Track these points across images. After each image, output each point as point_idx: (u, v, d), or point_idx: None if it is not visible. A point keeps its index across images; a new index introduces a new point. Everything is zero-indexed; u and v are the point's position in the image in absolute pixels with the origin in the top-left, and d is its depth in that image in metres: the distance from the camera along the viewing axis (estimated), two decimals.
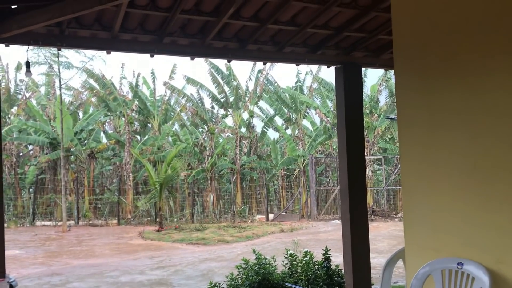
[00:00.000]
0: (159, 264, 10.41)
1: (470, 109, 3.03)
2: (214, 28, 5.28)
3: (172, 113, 24.35)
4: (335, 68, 6.33)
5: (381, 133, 23.03)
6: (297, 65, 6.64)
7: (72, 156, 21.35)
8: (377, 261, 9.53)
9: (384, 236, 14.06)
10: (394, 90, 22.57)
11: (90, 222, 19.25)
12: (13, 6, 4.65)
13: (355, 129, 6.29)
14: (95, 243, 13.84)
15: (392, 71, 21.46)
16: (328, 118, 22.54)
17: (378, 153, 23.49)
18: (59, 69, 18.05)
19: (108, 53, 5.73)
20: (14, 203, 20.90)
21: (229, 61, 6.35)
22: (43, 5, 4.44)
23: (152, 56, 5.77)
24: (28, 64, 5.63)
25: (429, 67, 3.39)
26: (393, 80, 22.81)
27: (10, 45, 5.20)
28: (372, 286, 6.54)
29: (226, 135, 24.49)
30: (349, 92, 6.23)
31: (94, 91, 22.05)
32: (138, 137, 23.59)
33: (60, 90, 18.95)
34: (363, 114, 6.57)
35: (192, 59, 6.06)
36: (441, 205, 3.25)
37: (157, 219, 17.58)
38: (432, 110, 3.31)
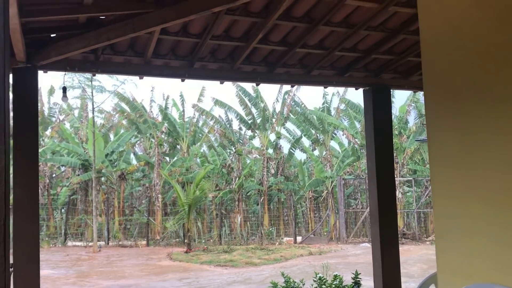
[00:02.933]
0: (188, 285, 10.43)
1: (504, 130, 2.99)
2: (243, 52, 5.40)
3: (200, 135, 24.63)
4: (364, 90, 6.35)
5: (410, 155, 22.71)
6: (325, 87, 6.71)
7: (103, 178, 21.76)
8: (408, 285, 9.30)
9: (415, 260, 13.72)
10: (423, 111, 22.29)
11: (120, 242, 19.47)
12: (52, 35, 4.89)
13: (384, 151, 6.25)
14: (124, 264, 13.97)
15: (421, 92, 21.19)
16: (356, 139, 22.39)
17: (407, 175, 23.12)
18: (92, 92, 18.61)
19: (141, 78, 5.90)
20: (47, 223, 21.35)
21: (257, 85, 6.45)
22: (79, 33, 4.65)
23: (183, 80, 5.91)
24: (64, 89, 5.85)
25: (459, 90, 3.38)
26: (421, 101, 22.55)
27: (48, 72, 5.43)
28: None
29: (254, 156, 24.56)
30: (378, 114, 6.22)
31: (125, 114, 22.55)
32: (167, 158, 23.90)
33: (93, 113, 19.49)
34: (392, 136, 6.53)
35: (221, 83, 6.18)
36: (474, 229, 3.19)
37: (185, 240, 17.65)
38: (463, 132, 3.28)
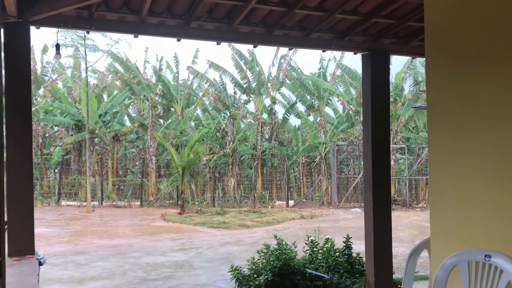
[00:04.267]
0: (181, 246, 10.57)
1: (505, 98, 2.96)
2: (241, 12, 5.27)
3: (195, 98, 24.45)
4: (362, 55, 6.26)
5: (404, 122, 22.75)
6: (324, 51, 6.61)
7: (97, 138, 21.68)
8: (397, 250, 9.48)
9: (405, 226, 13.96)
10: (419, 78, 22.20)
11: (114, 203, 19.61)
12: None
13: (381, 118, 6.22)
14: (118, 224, 14.11)
15: (418, 59, 21.04)
16: (351, 106, 22.34)
17: (401, 142, 23.23)
18: (85, 52, 18.28)
19: (136, 36, 5.77)
20: (40, 182, 21.39)
21: (255, 46, 6.32)
22: None
23: (178, 40, 5.79)
24: (58, 46, 5.71)
25: (462, 55, 3.32)
26: (418, 68, 22.42)
27: (41, 28, 5.28)
28: (393, 275, 6.53)
29: (248, 121, 24.50)
30: (376, 80, 6.16)
31: (119, 75, 22.28)
32: (161, 121, 23.79)
33: (86, 72, 19.20)
34: (389, 102, 6.49)
35: (218, 43, 6.07)
36: (470, 196, 3.21)
37: (179, 202, 17.79)
38: (464, 98, 3.25)
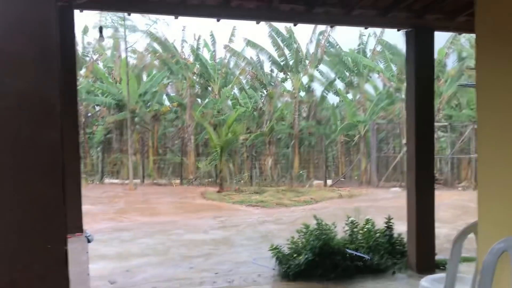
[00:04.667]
0: (221, 224, 10.75)
1: None
2: None
3: (232, 77, 24.46)
4: (406, 32, 6.08)
5: (447, 99, 22.07)
6: (366, 28, 6.46)
7: (137, 118, 22.12)
8: (440, 231, 9.28)
9: (447, 206, 13.66)
10: (463, 54, 21.40)
11: (155, 181, 20.08)
12: None
13: (425, 97, 6.06)
14: (160, 201, 14.46)
15: (463, 35, 20.20)
16: (392, 83, 21.82)
17: (443, 120, 22.59)
18: (125, 32, 18.55)
19: (176, 18, 5.80)
20: (84, 161, 22.10)
21: (295, 25, 6.26)
22: None
23: (218, 20, 5.79)
24: (101, 29, 5.84)
25: None
26: (462, 43, 21.58)
27: (84, 11, 5.38)
28: (436, 256, 6.44)
29: (285, 99, 24.35)
30: (420, 58, 5.99)
31: (157, 54, 22.51)
32: (199, 100, 23.98)
33: (126, 53, 19.52)
34: (434, 80, 6.30)
35: (257, 23, 6.03)
36: None
37: (218, 181, 18.03)
38: None
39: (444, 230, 9.71)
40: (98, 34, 23.55)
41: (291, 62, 22.28)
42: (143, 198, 15.20)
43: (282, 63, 22.47)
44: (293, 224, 10.28)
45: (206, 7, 5.56)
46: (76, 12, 5.11)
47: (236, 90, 25.56)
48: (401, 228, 7.17)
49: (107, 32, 19.93)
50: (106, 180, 20.32)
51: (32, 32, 1.08)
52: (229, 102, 24.05)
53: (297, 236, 6.53)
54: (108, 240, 8.87)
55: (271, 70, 24.17)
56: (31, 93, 1.09)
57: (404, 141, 20.59)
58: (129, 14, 6.28)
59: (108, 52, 24.28)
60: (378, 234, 6.73)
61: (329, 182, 20.41)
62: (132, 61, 23.70)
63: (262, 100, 23.05)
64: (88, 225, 9.93)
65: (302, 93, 23.27)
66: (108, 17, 17.55)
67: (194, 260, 7.31)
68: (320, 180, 20.77)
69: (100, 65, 23.84)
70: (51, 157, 1.11)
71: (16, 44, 1.08)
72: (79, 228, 4.90)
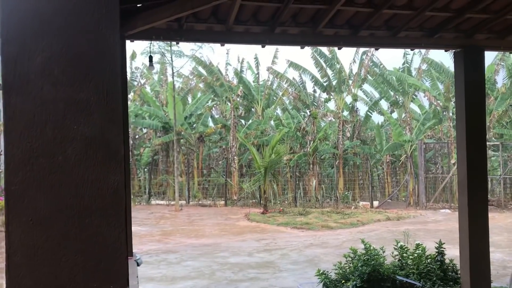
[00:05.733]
0: (266, 247, 10.70)
1: None
2: (326, 15, 5.22)
3: (275, 98, 24.63)
4: (454, 52, 5.95)
5: (497, 117, 21.28)
6: (412, 49, 6.36)
7: (182, 139, 22.57)
8: (494, 256, 8.89)
9: (501, 229, 13.09)
10: None
11: (200, 202, 20.30)
12: (138, 5, 5.00)
13: (476, 117, 5.88)
14: (205, 223, 14.58)
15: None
16: (439, 101, 21.29)
17: (493, 139, 21.77)
18: (171, 58, 19.11)
19: (222, 45, 5.93)
20: (132, 182, 22.68)
21: (339, 49, 6.24)
22: (165, 2, 4.71)
23: (263, 46, 5.86)
24: (151, 58, 6.02)
25: None
26: None
27: (135, 41, 5.59)
28: (491, 284, 6.15)
29: (329, 119, 24.22)
30: (470, 78, 5.83)
31: (202, 78, 23.03)
32: (243, 121, 24.24)
33: (173, 77, 20.08)
34: (485, 100, 6.10)
35: (302, 48, 6.06)
36: None
37: (262, 202, 18.02)
38: None
39: (499, 255, 9.29)
40: (145, 60, 24.33)
41: (334, 82, 22.20)
42: (188, 220, 15.38)
43: (325, 83, 22.43)
44: (340, 248, 10.12)
45: (250, 34, 5.67)
46: (127, 42, 5.32)
47: (279, 111, 25.70)
48: (453, 253, 6.94)
49: (154, 58, 20.59)
50: (153, 201, 20.73)
51: (98, 80, 1.15)
52: (272, 123, 24.17)
53: (345, 261, 6.41)
54: (155, 262, 9.01)
55: (314, 91, 24.19)
56: (97, 138, 1.15)
57: (453, 160, 19.94)
58: (177, 43, 6.47)
59: (155, 77, 25.06)
60: (429, 260, 6.52)
61: (375, 203, 19.97)
62: (178, 84, 24.35)
63: (305, 120, 23.01)
64: (135, 246, 10.14)
65: (346, 113, 23.08)
66: (156, 43, 18.16)
67: (240, 284, 7.29)
68: (366, 202, 20.37)
69: (148, 89, 24.60)
70: (115, 200, 1.16)
71: (83, 92, 1.15)
72: (129, 252, 5.01)
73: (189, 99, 24.76)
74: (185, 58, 20.03)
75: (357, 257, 6.29)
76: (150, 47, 16.79)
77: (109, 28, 1.14)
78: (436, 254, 6.59)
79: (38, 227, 1.11)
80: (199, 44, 19.15)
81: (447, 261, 6.57)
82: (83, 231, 1.13)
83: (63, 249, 1.12)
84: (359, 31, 5.60)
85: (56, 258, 1.11)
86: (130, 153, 22.93)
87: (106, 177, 1.14)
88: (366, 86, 23.55)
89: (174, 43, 18.24)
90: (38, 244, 1.11)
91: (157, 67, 24.07)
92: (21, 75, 1.11)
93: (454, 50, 5.95)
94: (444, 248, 6.57)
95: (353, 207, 18.82)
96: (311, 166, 21.86)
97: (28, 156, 1.11)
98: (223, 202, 20.06)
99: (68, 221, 1.13)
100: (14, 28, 1.11)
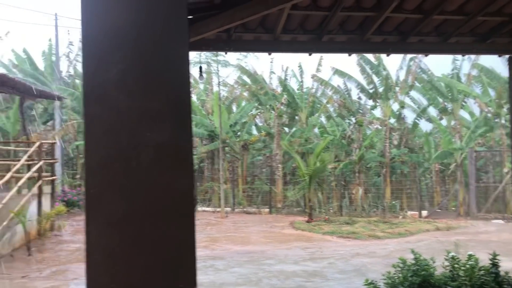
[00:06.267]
0: (312, 255, 10.64)
1: None
2: (374, 22, 5.21)
3: (319, 105, 24.50)
4: (509, 57, 5.77)
5: None
6: (463, 55, 6.21)
7: (227, 147, 22.83)
8: None
9: None
10: None
11: (244, 209, 20.42)
12: (189, 17, 5.15)
13: None
14: (250, 230, 14.66)
15: None
16: (490, 108, 20.54)
17: None
18: (217, 67, 19.47)
19: (269, 54, 6.01)
20: None
21: (388, 55, 6.19)
22: (215, 14, 4.83)
23: (310, 54, 5.90)
24: (201, 68, 6.17)
25: None
26: None
27: None
28: None
29: (375, 127, 23.83)
30: None
31: (247, 86, 23.26)
32: (287, 129, 24.24)
33: (219, 87, 20.42)
34: None
35: (349, 55, 6.05)
36: None
37: (307, 210, 17.93)
38: None
39: None
40: (192, 70, 24.84)
41: (380, 89, 21.86)
42: (234, 226, 15.51)
43: (371, 91, 22.13)
44: (388, 258, 9.92)
45: (298, 43, 5.72)
46: None
47: (323, 119, 25.53)
48: (508, 265, 6.66)
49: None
50: (200, 208, 21.05)
51: (169, 90, 1.22)
52: (316, 131, 24.04)
53: (393, 271, 6.28)
54: (203, 268, 9.14)
55: (359, 98, 23.87)
56: (168, 144, 1.22)
57: (506, 169, 19.17)
58: (225, 53, 6.62)
59: (201, 86, 25.53)
60: (482, 271, 6.28)
61: (424, 213, 19.43)
62: (223, 93, 24.70)
63: (351, 128, 22.76)
64: None
65: (393, 120, 22.65)
66: (203, 54, 18.54)
67: None
68: (414, 211, 19.85)
69: (194, 98, 25.10)
70: (185, 203, 1.22)
71: (155, 101, 1.23)
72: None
73: (234, 108, 25.05)
74: (231, 67, 20.33)
75: (406, 267, 6.15)
76: (196, 56, 17.15)
77: (178, 41, 1.22)
78: (490, 265, 6.35)
79: (114, 227, 1.20)
80: (245, 53, 19.41)
81: (502, 273, 6.31)
82: (155, 232, 1.20)
83: (137, 249, 1.19)
84: (408, 38, 5.54)
85: (130, 257, 1.19)
86: None
87: (176, 181, 1.21)
88: (413, 93, 23.02)
89: (220, 53, 18.58)
90: (114, 243, 1.19)
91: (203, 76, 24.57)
92: (99, 86, 1.20)
93: (508, 56, 5.77)
94: (499, 260, 6.32)
95: (400, 217, 18.40)
96: (357, 174, 21.55)
97: (105, 161, 1.20)
98: (267, 209, 20.10)
99: (141, 222, 1.20)
100: (93, 43, 1.21)
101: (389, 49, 5.78)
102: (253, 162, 25.37)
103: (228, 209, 20.30)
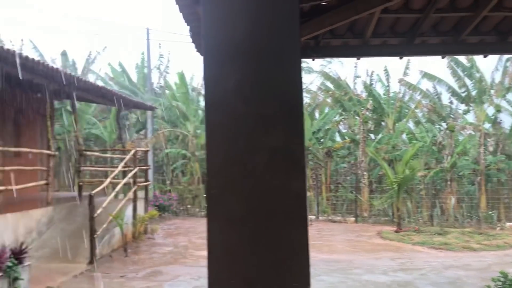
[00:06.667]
0: (401, 266, 10.28)
1: None
2: (470, 23, 4.98)
3: (406, 110, 23.68)
4: None
5: None
6: None
7: (311, 154, 22.75)
8: None
9: None
10: None
11: (329, 218, 20.20)
12: None
13: None
14: (335, 238, 14.48)
15: None
16: None
17: None
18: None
19: (358, 59, 5.96)
20: None
21: (485, 56, 5.87)
22: (304, 21, 4.89)
23: (401, 58, 5.76)
24: None
25: None
26: None
27: None
28: None
29: (468, 132, 22.55)
30: None
31: (330, 92, 23.06)
32: (372, 135, 23.68)
33: (302, 93, 20.46)
34: None
35: (443, 57, 5.84)
36: None
37: (395, 220, 17.35)
38: None
39: None
40: None
41: (473, 93, 20.69)
42: (319, 235, 15.39)
43: (463, 94, 21.01)
44: (485, 271, 9.32)
45: (388, 47, 5.61)
46: None
47: (411, 124, 24.62)
48: None
49: None
50: None
51: (282, 97, 1.29)
52: (404, 137, 23.23)
53: (493, 285, 5.91)
54: None
55: (451, 102, 22.75)
56: (281, 148, 1.28)
57: None
58: (313, 59, 6.66)
59: None
60: None
61: None
62: (306, 100, 24.69)
63: (441, 134, 21.73)
64: None
65: (488, 125, 21.29)
66: None
67: None
68: None
69: None
70: (298, 204, 1.28)
71: (269, 107, 1.30)
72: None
73: (316, 114, 24.93)
74: (314, 73, 20.29)
75: (508, 281, 5.77)
76: None
77: (291, 50, 1.28)
78: None
79: (232, 226, 1.27)
80: (329, 59, 19.29)
81: None
82: (270, 231, 1.26)
83: (253, 247, 1.26)
84: (508, 37, 5.23)
85: (247, 255, 1.26)
86: None
87: (290, 183, 1.26)
88: (510, 96, 21.52)
89: (304, 60, 18.64)
90: (233, 241, 1.27)
91: None
92: (219, 94, 1.30)
93: None
94: None
95: (498, 228, 17.19)
96: (449, 182, 20.49)
97: (225, 164, 1.28)
98: (353, 218, 19.72)
99: (257, 222, 1.27)
100: (214, 54, 1.31)
101: (487, 50, 5.48)
102: (337, 170, 25.01)
103: (312, 217, 20.18)
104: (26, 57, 9.95)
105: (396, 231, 15.84)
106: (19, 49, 21.44)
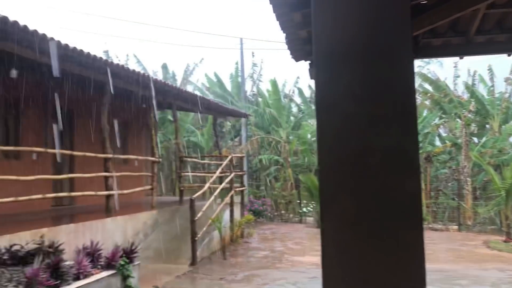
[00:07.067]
0: None
1: None
2: None
3: None
4: None
5: None
6: None
7: None
8: None
9: None
10: None
11: (430, 225, 19.24)
12: None
13: None
14: (438, 247, 13.75)
15: None
16: None
17: None
18: None
19: (461, 58, 5.67)
20: None
21: None
22: None
23: (509, 55, 5.40)
24: None
25: None
26: None
27: None
28: None
29: None
30: None
31: (428, 95, 22.05)
32: (475, 139, 22.23)
33: None
34: None
35: None
36: None
37: (503, 229, 16.11)
38: None
39: None
40: None
41: None
42: None
43: None
44: None
45: (494, 44, 5.28)
46: None
47: None
48: None
49: None
50: None
51: (395, 98, 1.29)
52: None
53: None
54: None
55: None
56: (394, 148, 1.29)
57: None
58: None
59: None
60: None
61: None
62: None
63: None
64: None
65: None
66: None
67: None
68: None
69: None
70: (412, 205, 1.27)
71: (381, 108, 1.31)
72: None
73: None
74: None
75: None
76: None
77: (403, 50, 1.28)
78: None
79: (346, 225, 1.30)
80: (427, 60, 18.50)
81: None
82: (385, 231, 1.27)
83: (368, 247, 1.28)
84: None
85: (362, 254, 1.28)
86: None
87: (404, 183, 1.26)
88: None
89: None
90: (347, 240, 1.30)
91: None
92: (330, 96, 1.33)
93: None
94: None
95: None
96: None
97: (337, 164, 1.32)
98: (455, 226, 18.61)
99: (371, 222, 1.28)
100: (325, 58, 1.35)
101: None
102: (437, 175, 23.78)
103: None
104: (148, 76, 10.96)
105: (505, 241, 14.69)
106: (125, 63, 23.15)
